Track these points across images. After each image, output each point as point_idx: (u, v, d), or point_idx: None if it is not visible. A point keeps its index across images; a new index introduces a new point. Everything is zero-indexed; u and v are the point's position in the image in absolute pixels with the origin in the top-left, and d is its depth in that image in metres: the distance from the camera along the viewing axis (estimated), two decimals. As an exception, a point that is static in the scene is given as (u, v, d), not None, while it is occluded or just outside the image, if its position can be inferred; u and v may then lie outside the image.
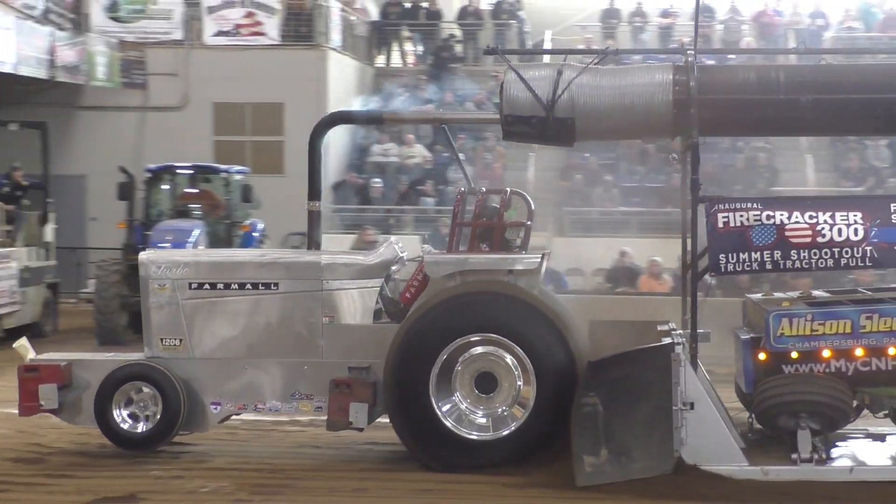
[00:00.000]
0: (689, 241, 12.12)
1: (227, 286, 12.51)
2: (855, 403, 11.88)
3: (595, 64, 12.32)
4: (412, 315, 12.19)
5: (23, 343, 13.03)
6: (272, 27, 28.59)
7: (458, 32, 32.41)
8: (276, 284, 12.50)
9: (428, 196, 27.53)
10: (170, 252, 13.57)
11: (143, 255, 12.90)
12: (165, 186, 22.64)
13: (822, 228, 11.45)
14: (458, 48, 31.88)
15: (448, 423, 11.93)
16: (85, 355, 13.47)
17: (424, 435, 11.96)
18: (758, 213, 11.49)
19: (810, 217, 11.49)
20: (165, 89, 28.37)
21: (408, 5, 33.02)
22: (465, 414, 12.02)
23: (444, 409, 11.96)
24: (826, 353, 11.54)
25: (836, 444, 12.12)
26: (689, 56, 12.05)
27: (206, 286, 12.48)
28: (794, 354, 11.55)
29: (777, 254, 11.47)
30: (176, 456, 12.81)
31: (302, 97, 27.06)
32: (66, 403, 12.51)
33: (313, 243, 13.31)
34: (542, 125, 12.09)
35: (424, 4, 32.91)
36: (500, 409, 12.01)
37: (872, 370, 11.61)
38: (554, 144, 13.07)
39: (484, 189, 13.29)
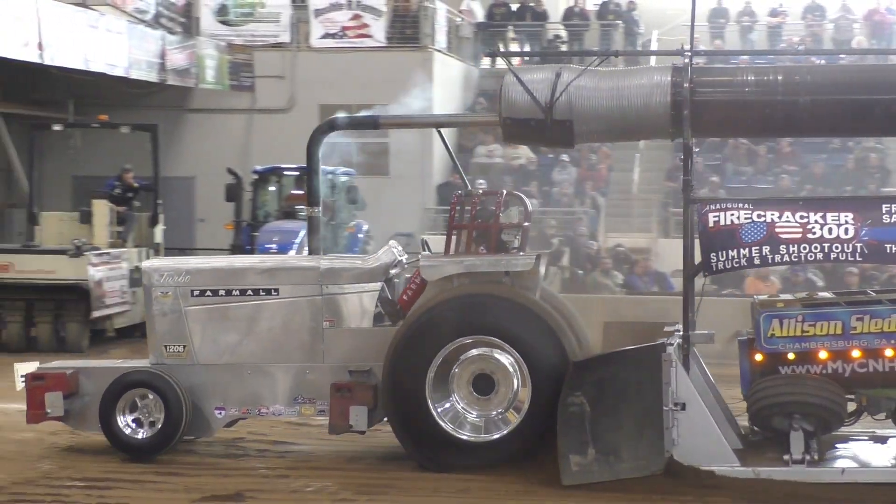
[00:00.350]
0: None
1: (229, 293, 12.65)
2: (854, 405, 11.83)
3: (595, 66, 12.39)
4: (409, 317, 12.26)
5: (19, 372, 13.25)
6: (378, 29, 28.72)
7: (563, 33, 32.26)
8: (276, 290, 12.63)
9: (532, 197, 27.45)
10: (172, 260, 13.76)
11: (145, 264, 13.14)
12: (272, 188, 22.86)
13: (813, 227, 11.44)
14: (564, 49, 31.72)
15: (443, 423, 11.99)
16: (90, 363, 13.68)
17: (420, 435, 12.03)
18: (748, 212, 11.52)
19: (801, 217, 11.48)
20: (272, 91, 28.65)
21: (514, 6, 32.96)
22: (460, 415, 12.08)
23: (440, 409, 12.02)
24: (822, 355, 11.47)
25: (836, 445, 12.01)
26: (685, 57, 12.03)
27: (209, 293, 12.62)
28: (791, 356, 11.49)
29: (766, 249, 11.48)
30: (281, 455, 12.95)
31: (407, 98, 27.11)
32: (73, 411, 12.67)
33: (313, 248, 13.44)
34: (541, 127, 12.12)
35: (531, 4, 32.79)
36: (494, 412, 12.06)
37: (869, 372, 11.51)
38: (553, 146, 13.15)
39: (480, 191, 13.35)
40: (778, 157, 27.84)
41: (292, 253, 19.98)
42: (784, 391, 11.43)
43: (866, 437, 12.46)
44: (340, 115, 14.67)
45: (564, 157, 28.08)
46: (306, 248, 20.51)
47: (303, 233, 20.92)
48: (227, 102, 28.76)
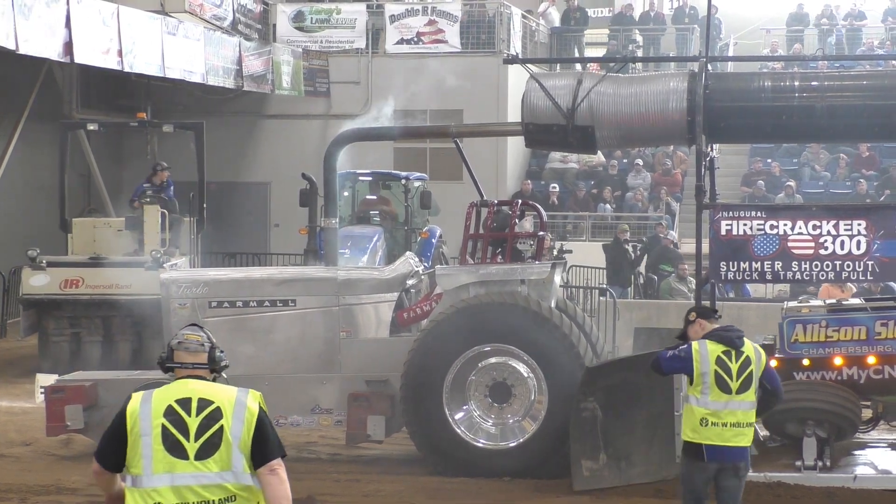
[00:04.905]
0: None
1: (246, 304, 12.74)
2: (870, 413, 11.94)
3: (616, 71, 12.55)
4: (427, 325, 12.35)
5: (40, 386, 13.33)
6: (453, 35, 28.74)
7: (639, 38, 32.08)
8: (293, 301, 12.73)
9: (606, 202, 27.37)
10: (189, 271, 13.83)
11: (163, 276, 13.20)
12: (346, 193, 22.93)
13: (825, 240, 11.51)
14: (640, 53, 31.54)
15: (459, 430, 12.10)
16: (109, 374, 13.81)
17: (436, 442, 12.13)
18: (761, 222, 11.59)
19: (814, 227, 11.54)
20: (348, 97, 28.78)
21: (590, 11, 32.85)
22: (476, 422, 12.17)
23: (457, 417, 12.13)
24: (846, 360, 11.53)
25: (853, 452, 12.06)
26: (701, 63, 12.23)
27: (226, 304, 12.74)
28: (806, 362, 11.55)
29: (778, 264, 11.61)
30: (354, 459, 13.02)
31: (481, 104, 27.15)
32: (92, 423, 12.73)
33: (330, 260, 13.49)
34: (563, 133, 12.24)
35: (606, 10, 32.66)
36: (510, 420, 12.12)
37: (885, 378, 11.52)
38: (576, 152, 13.13)
39: (496, 200, 13.40)
40: (856, 162, 27.51)
41: (365, 258, 20.07)
42: (797, 397, 11.39)
43: (885, 445, 12.54)
44: (356, 126, 14.81)
45: (639, 161, 27.94)
46: (379, 254, 20.73)
47: (376, 237, 21.03)
48: (302, 108, 28.93)
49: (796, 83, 12.13)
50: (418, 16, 29.05)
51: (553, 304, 12.46)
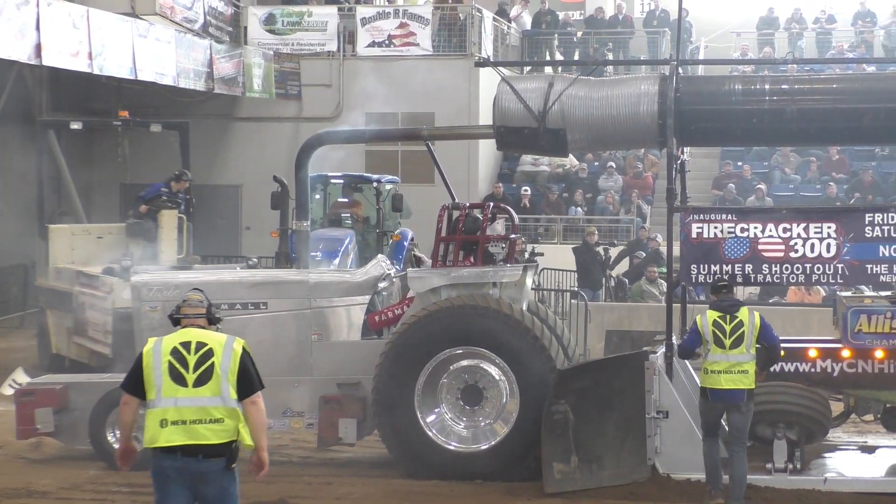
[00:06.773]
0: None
1: (218, 307, 12.59)
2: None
3: (587, 75, 12.67)
4: (399, 328, 12.36)
5: (12, 379, 13.22)
6: (425, 38, 28.73)
7: (609, 42, 32.14)
8: (265, 304, 12.72)
9: (577, 205, 27.42)
10: (160, 274, 13.76)
11: (134, 279, 13.10)
12: (318, 196, 22.88)
13: (795, 243, 11.64)
14: (610, 56, 31.62)
15: (431, 433, 12.12)
16: (80, 377, 13.74)
17: (408, 445, 12.13)
18: (732, 225, 11.70)
19: (784, 230, 11.65)
20: (319, 100, 28.74)
21: (560, 14, 32.91)
22: (448, 425, 12.19)
23: (429, 420, 12.13)
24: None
25: (823, 454, 12.21)
26: (673, 67, 12.27)
27: None
28: (880, 353, 11.66)
29: (749, 267, 11.74)
30: (325, 462, 13.00)
31: (453, 107, 27.15)
32: (63, 426, 12.69)
33: (302, 262, 13.46)
34: (535, 136, 12.30)
35: (577, 14, 32.70)
36: (482, 423, 12.17)
37: (857, 372, 11.75)
38: (547, 154, 13.22)
39: (468, 203, 13.44)
40: (826, 165, 27.66)
41: (336, 261, 20.05)
42: (768, 400, 11.48)
43: (855, 448, 12.63)
44: (329, 129, 14.77)
45: (611, 164, 28.00)
46: (351, 257, 20.70)
47: (348, 240, 20.99)
48: (274, 111, 28.88)
49: (767, 86, 12.21)
50: (390, 18, 29.05)
51: (525, 307, 12.48)
